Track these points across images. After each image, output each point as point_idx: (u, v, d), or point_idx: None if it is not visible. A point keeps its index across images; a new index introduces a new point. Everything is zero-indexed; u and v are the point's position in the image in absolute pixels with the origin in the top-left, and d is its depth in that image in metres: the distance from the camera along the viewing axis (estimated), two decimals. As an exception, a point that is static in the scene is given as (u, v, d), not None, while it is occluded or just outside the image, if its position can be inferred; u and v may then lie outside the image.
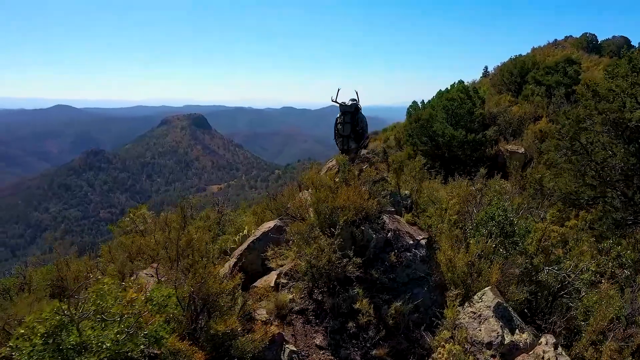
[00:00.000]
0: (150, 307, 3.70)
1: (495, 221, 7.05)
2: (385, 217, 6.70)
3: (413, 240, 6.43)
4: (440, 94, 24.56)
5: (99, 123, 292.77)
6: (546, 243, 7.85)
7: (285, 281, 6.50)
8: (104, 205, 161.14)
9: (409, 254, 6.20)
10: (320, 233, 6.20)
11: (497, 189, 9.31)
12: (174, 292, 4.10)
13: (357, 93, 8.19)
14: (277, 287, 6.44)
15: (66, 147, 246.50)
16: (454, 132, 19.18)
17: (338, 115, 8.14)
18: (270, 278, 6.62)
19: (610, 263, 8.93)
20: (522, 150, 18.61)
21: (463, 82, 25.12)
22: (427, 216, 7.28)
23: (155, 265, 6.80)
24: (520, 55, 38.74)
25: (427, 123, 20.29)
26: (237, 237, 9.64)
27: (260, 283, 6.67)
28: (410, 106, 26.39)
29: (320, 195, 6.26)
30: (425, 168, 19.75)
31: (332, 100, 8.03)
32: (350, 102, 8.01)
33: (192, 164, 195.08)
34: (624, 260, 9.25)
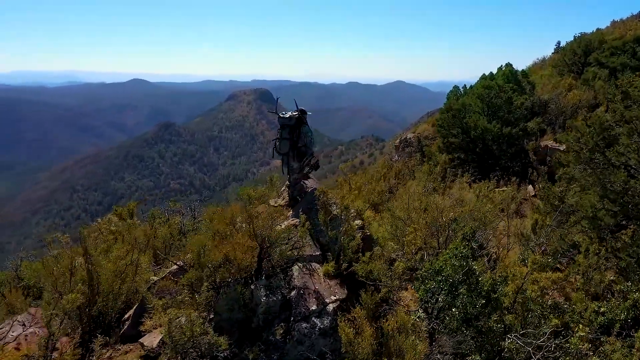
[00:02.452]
0: None
1: (443, 276, 5.51)
2: (295, 269, 5.35)
3: (318, 305, 5.03)
4: (483, 78, 22.21)
5: (171, 97, 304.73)
6: (523, 296, 6.17)
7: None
8: (174, 177, 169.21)
9: (305, 325, 4.83)
10: (205, 290, 5.02)
11: (481, 217, 7.58)
12: None
13: (296, 103, 6.83)
14: (160, 347, 5.36)
15: (141, 120, 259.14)
16: (487, 125, 17.02)
17: (278, 129, 6.87)
18: (156, 336, 5.53)
19: (623, 314, 7.02)
20: (565, 147, 15.96)
21: (511, 65, 22.59)
22: (363, 261, 5.82)
23: (32, 310, 5.96)
24: (598, 29, 34.39)
25: (459, 113, 18.18)
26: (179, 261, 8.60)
27: (146, 339, 5.61)
28: (451, 91, 24.08)
29: (204, 243, 5.06)
30: (453, 164, 17.89)
31: (269, 111, 6.78)
32: (291, 114, 6.67)
33: (257, 138, 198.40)
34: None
